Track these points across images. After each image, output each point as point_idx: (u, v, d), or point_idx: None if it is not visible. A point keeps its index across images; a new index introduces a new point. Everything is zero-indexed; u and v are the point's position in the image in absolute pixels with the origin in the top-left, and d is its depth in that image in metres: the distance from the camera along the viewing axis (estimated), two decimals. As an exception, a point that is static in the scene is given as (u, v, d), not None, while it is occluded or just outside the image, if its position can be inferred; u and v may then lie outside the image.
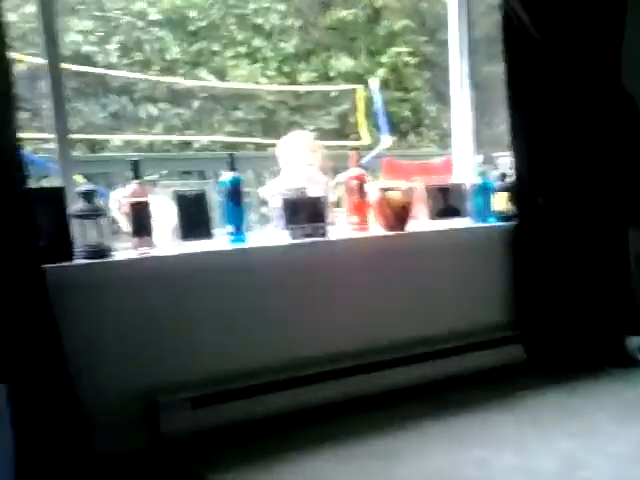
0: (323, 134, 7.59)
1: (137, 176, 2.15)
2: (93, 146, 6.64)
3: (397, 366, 2.51)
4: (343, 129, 7.74)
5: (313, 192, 2.49)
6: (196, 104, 7.06)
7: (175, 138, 6.78)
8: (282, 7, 7.24)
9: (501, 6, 2.67)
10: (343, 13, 7.29)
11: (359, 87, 5.95)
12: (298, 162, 2.83)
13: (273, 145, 7.08)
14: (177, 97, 7.09)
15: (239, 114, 7.26)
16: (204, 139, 6.85)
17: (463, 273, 2.72)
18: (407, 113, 7.94)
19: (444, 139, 8.34)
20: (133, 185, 2.15)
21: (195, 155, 6.36)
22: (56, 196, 2.02)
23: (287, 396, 2.30)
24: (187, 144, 6.95)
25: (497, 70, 3.10)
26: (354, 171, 2.55)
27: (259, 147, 7.09)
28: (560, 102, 2.72)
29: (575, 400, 2.43)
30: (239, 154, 6.12)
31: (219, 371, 2.25)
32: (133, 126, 6.89)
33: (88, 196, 2.07)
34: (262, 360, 2.32)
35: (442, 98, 8.37)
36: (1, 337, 1.84)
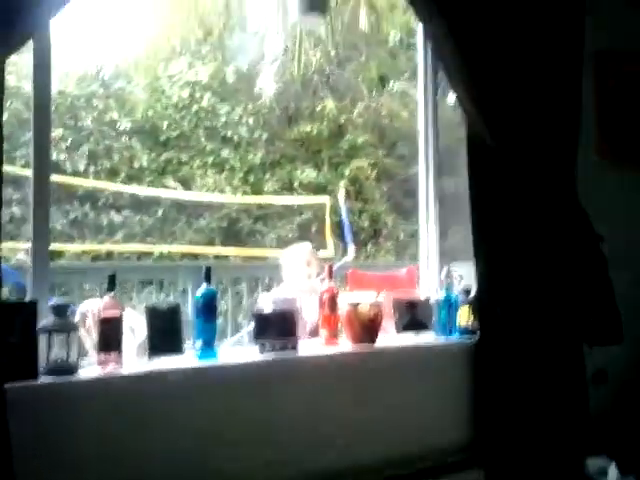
0: (284, 243, 7.73)
1: (112, 289, 2.13)
2: (50, 254, 6.58)
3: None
4: (304, 238, 7.90)
5: (306, 303, 2.64)
6: (159, 212, 7.16)
7: (137, 248, 6.78)
8: (251, 120, 7.58)
9: (467, 127, 2.83)
10: (308, 128, 7.67)
11: (325, 199, 6.18)
12: (297, 274, 3.07)
13: (233, 255, 7.16)
14: (141, 204, 7.18)
15: (202, 222, 7.38)
16: (165, 249, 6.88)
17: (426, 389, 2.69)
18: (366, 223, 8.20)
19: (399, 250, 8.59)
20: (105, 298, 2.12)
21: (159, 264, 6.35)
22: (28, 310, 1.97)
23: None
24: (147, 253, 6.95)
25: (448, 183, 3.26)
26: (326, 284, 2.60)
27: (219, 257, 7.15)
28: (519, 219, 2.83)
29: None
30: (198, 263, 6.11)
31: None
32: (94, 233, 6.89)
33: (60, 310, 2.03)
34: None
35: (398, 209, 8.71)
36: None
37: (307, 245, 3.29)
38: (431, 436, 2.67)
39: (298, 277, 3.01)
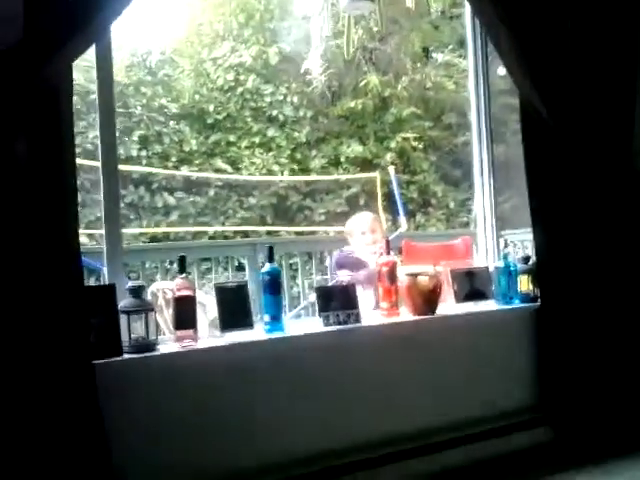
0: (333, 217, 7.80)
1: (183, 270, 2.24)
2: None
3: (422, 454, 2.51)
4: (353, 212, 7.94)
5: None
6: (211, 192, 7.33)
7: (192, 229, 6.97)
8: (295, 99, 7.63)
9: (520, 98, 2.82)
10: (352, 103, 7.65)
11: (375, 173, 6.20)
12: (362, 240, 3.12)
13: (283, 232, 7.24)
14: (193, 186, 7.36)
15: (252, 200, 7.51)
16: (219, 229, 7.08)
17: (490, 355, 2.76)
18: (414, 194, 8.19)
19: (450, 218, 8.56)
20: (178, 279, 2.23)
21: (215, 242, 6.53)
22: (107, 293, 2.10)
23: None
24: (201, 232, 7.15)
25: (497, 150, 3.24)
26: (385, 257, 2.65)
27: (270, 233, 7.29)
28: (576, 186, 2.83)
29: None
30: (252, 240, 6.22)
31: (257, 463, 2.25)
32: (150, 215, 7.11)
33: (136, 291, 2.15)
34: (302, 450, 2.33)
35: (446, 179, 8.66)
36: (49, 435, 1.87)
37: (370, 214, 3.33)
38: (499, 397, 2.74)
39: (364, 243, 3.07)
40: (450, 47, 8.19)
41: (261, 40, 7.68)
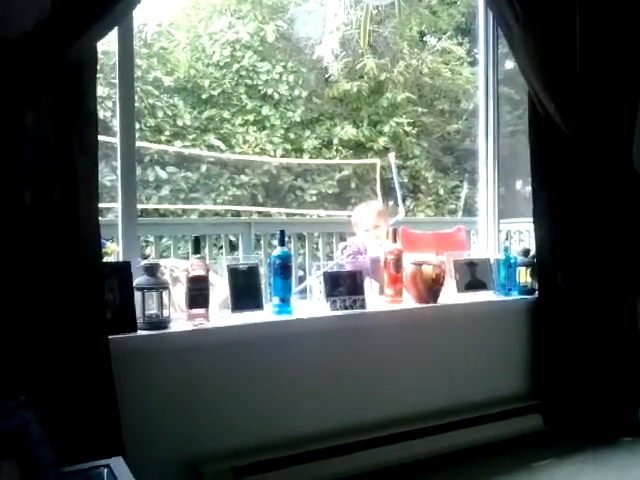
0: (324, 198, 7.83)
1: (197, 250, 2.27)
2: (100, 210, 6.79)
3: (418, 437, 2.58)
4: (343, 194, 7.99)
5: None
6: (203, 168, 7.30)
7: (182, 206, 6.95)
8: (291, 78, 7.59)
9: (529, 96, 2.88)
10: (347, 85, 7.64)
11: (375, 160, 6.22)
12: (368, 228, 3.13)
13: (274, 213, 7.23)
14: (185, 161, 7.32)
15: (244, 178, 7.50)
16: (211, 207, 7.08)
17: (487, 344, 2.84)
18: (405, 179, 8.24)
19: (439, 205, 8.64)
20: (193, 259, 2.26)
21: (207, 220, 6.51)
22: (123, 270, 2.12)
23: (325, 465, 2.36)
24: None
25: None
26: (391, 245, 2.69)
27: (261, 212, 7.30)
28: (579, 185, 2.90)
29: (589, 470, 2.53)
30: (245, 219, 6.20)
31: (261, 440, 2.31)
32: (141, 189, 7.06)
33: (151, 269, 2.17)
34: (303, 429, 2.39)
35: (437, 166, 8.72)
36: (64, 408, 1.90)
37: (375, 207, 3.26)
38: (493, 385, 2.83)
39: (367, 239, 3.06)
40: (448, 34, 8.20)
41: (259, 17, 7.61)
